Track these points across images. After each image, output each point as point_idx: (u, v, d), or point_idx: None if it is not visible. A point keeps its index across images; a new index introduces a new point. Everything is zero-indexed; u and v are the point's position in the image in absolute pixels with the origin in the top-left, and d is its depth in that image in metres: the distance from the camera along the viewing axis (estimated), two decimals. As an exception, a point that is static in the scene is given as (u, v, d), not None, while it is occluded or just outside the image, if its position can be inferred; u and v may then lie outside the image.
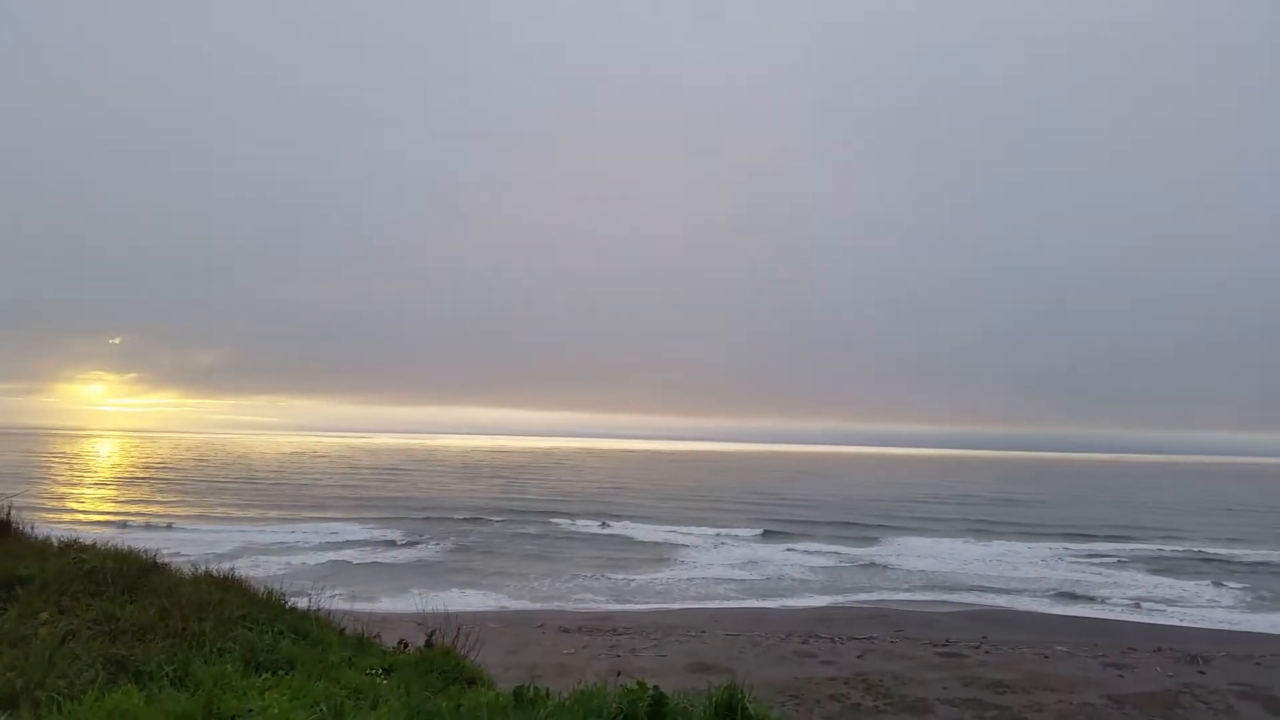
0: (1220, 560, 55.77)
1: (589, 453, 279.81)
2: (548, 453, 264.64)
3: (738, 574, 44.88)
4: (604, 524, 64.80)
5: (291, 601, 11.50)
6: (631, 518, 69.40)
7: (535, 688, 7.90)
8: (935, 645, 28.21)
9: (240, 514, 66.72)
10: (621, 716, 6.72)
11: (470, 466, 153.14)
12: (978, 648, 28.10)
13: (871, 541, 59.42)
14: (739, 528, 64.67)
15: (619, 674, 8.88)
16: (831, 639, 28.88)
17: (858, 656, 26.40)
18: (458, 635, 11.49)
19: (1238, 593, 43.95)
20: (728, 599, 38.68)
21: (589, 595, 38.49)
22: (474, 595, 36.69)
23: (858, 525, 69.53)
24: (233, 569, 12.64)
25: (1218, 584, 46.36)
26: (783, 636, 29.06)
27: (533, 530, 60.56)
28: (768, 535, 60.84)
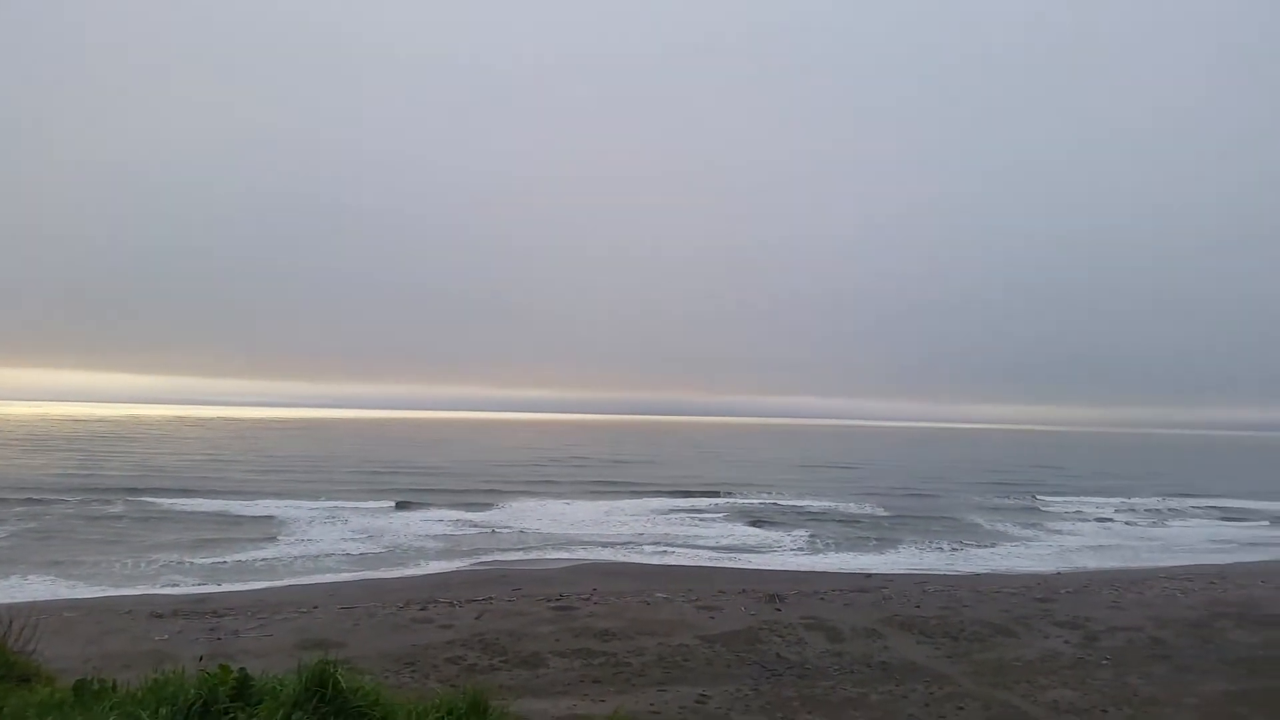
0: (795, 510, 63.25)
1: (186, 421, 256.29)
2: (138, 421, 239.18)
3: (358, 546, 43.39)
4: (202, 500, 59.55)
5: None
6: (236, 492, 64.39)
7: (100, 680, 6.92)
8: (550, 601, 29.13)
9: None
10: (200, 703, 6.02)
11: (38, 437, 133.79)
12: (588, 600, 29.42)
13: (494, 506, 60.20)
14: (358, 498, 62.63)
15: (201, 658, 8.04)
16: (450, 603, 28.80)
17: (476, 618, 26.56)
18: (9, 628, 9.91)
19: (807, 538, 49.94)
20: (345, 571, 37.30)
21: (184, 577, 35.26)
22: (40, 583, 32.18)
23: (482, 490, 70.09)
24: None
25: (792, 531, 52.46)
26: (401, 605, 28.50)
27: (116, 509, 54.15)
28: (391, 504, 59.47)
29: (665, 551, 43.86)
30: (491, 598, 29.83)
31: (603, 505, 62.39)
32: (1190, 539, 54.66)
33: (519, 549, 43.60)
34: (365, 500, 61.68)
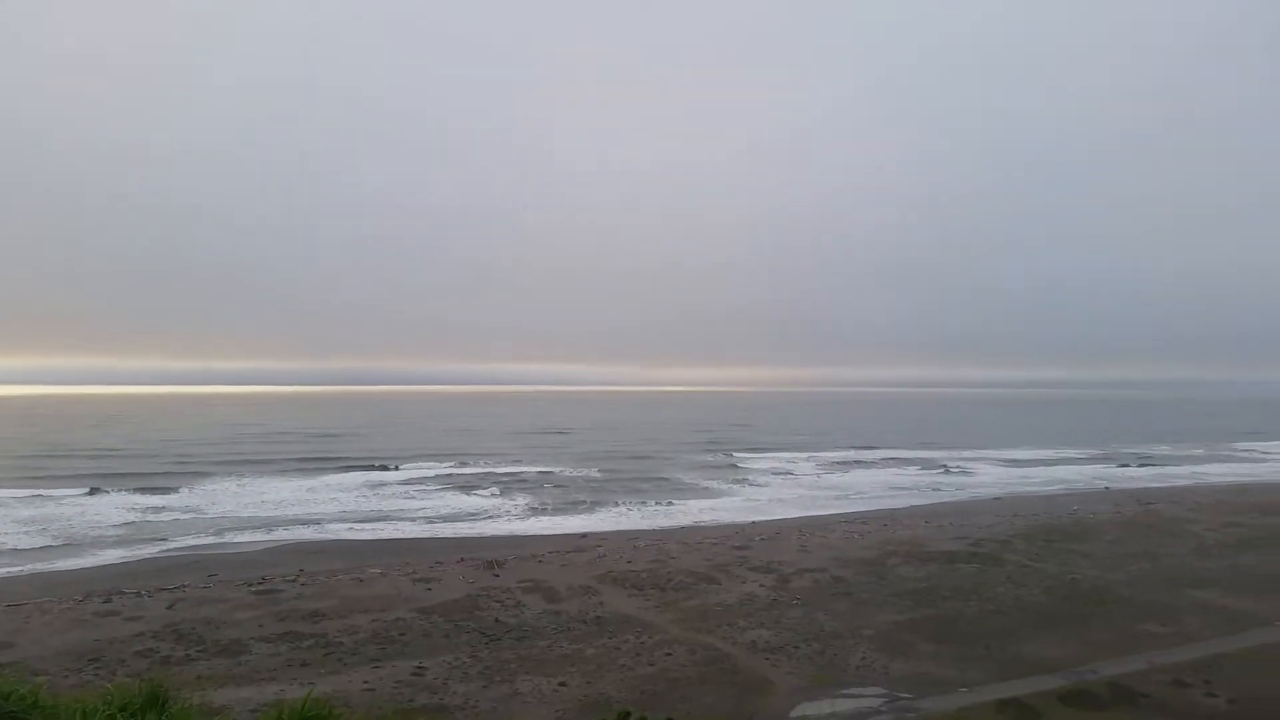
0: (514, 476, 63.67)
1: None
2: None
3: (25, 537, 38.74)
4: None
5: None
6: None
7: None
8: (251, 585, 27.52)
9: None
10: None
11: None
12: (294, 581, 28.07)
13: (188, 487, 55.87)
14: (26, 484, 55.99)
15: None
16: (138, 593, 26.50)
17: (168, 607, 24.63)
18: None
19: (525, 503, 50.54)
20: (9, 565, 33.16)
21: None
22: None
23: (173, 472, 64.83)
24: None
25: (511, 497, 52.83)
26: (80, 598, 25.86)
27: None
28: (67, 490, 53.42)
29: (378, 525, 42.73)
30: (185, 585, 27.74)
31: (309, 482, 59.67)
32: (869, 486, 60.64)
33: (215, 532, 40.72)
34: (34, 486, 55.13)
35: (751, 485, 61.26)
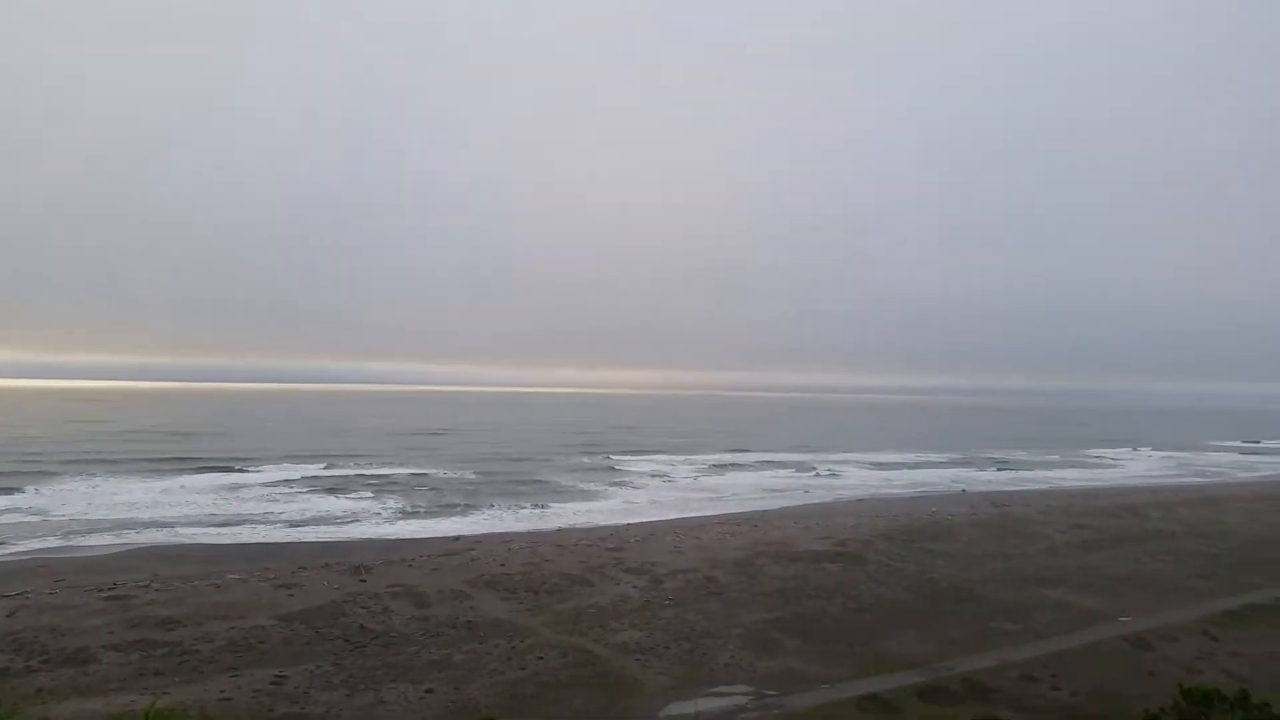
0: (385, 478, 62.30)
1: None
2: None
3: None
4: None
5: None
6: None
7: None
8: (101, 590, 26.10)
9: None
10: None
11: None
12: (147, 587, 26.74)
13: (30, 488, 52.60)
14: None
15: None
16: (-28, 602, 24.78)
17: (8, 615, 23.15)
18: None
19: (396, 506, 49.43)
20: None
21: None
22: None
23: (18, 472, 60.75)
24: None
25: (381, 500, 51.59)
26: (-93, 610, 24.00)
27: None
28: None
29: (239, 530, 41.04)
30: (28, 591, 26.10)
31: (165, 483, 56.94)
32: (743, 488, 61.73)
33: (63, 535, 38.44)
34: None
35: (629, 487, 61.55)
